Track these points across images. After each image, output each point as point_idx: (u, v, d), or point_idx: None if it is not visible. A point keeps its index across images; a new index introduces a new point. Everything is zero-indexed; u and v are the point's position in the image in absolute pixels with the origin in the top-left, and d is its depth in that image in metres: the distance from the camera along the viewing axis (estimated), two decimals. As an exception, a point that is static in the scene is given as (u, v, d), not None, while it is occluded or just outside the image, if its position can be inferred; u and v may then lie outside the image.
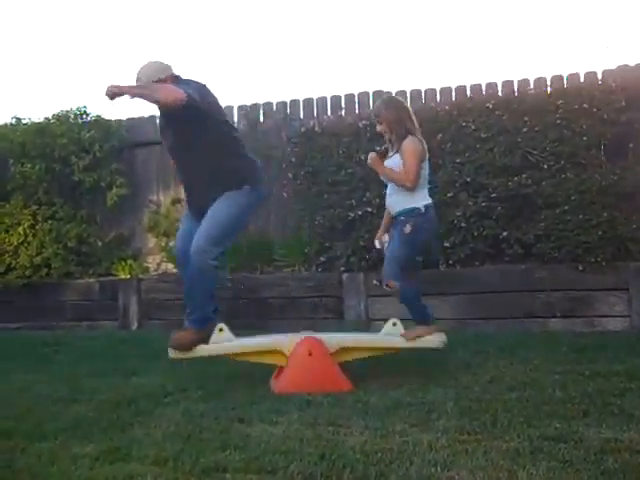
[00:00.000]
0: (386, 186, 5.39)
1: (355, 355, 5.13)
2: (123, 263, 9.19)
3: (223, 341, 5.07)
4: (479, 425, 3.72)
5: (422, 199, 5.25)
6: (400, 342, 5.16)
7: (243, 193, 5.06)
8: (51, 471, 3.20)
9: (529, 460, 3.10)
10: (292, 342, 4.98)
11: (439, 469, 3.02)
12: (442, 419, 3.89)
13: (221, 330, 5.07)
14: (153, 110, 9.98)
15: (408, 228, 5.15)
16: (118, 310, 8.87)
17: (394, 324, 5.22)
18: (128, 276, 9.04)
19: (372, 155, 5.31)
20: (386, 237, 5.43)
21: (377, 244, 5.54)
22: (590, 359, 5.45)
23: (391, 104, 5.36)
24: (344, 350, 5.08)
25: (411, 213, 5.17)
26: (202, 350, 5.04)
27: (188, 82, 5.05)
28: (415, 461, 3.14)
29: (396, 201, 5.26)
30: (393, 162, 5.24)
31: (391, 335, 5.19)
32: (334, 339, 5.13)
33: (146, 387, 5.01)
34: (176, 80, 5.07)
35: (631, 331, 6.86)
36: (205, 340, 5.00)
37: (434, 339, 5.16)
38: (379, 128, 5.32)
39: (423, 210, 5.19)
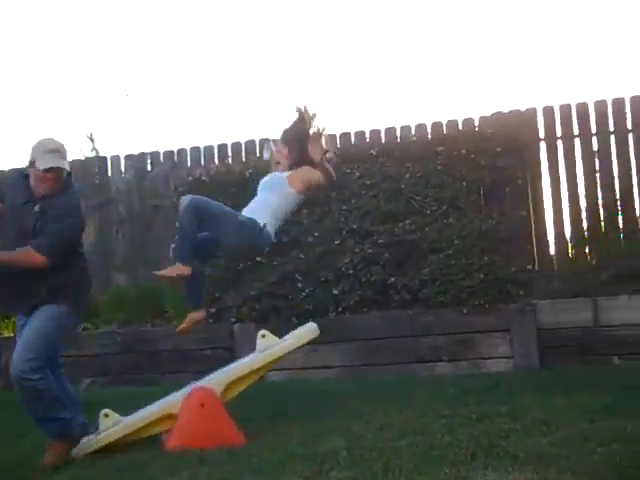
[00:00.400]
0: None
1: (246, 383, 5.08)
2: (7, 321, 8.88)
3: (111, 427, 4.91)
4: (371, 474, 3.76)
5: (270, 225, 5.13)
6: (277, 351, 5.10)
7: (61, 309, 4.81)
8: None
9: (420, 509, 3.16)
10: (180, 400, 4.92)
11: (331, 524, 3.04)
12: (334, 470, 3.91)
13: (107, 416, 4.93)
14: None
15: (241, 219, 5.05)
16: (1, 371, 8.52)
17: (263, 336, 5.15)
18: (12, 334, 8.72)
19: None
20: None
21: None
22: (476, 401, 5.58)
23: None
24: (234, 384, 5.05)
25: (249, 221, 5.05)
26: (93, 444, 4.83)
27: (73, 193, 4.93)
28: (309, 517, 3.15)
29: (250, 209, 5.19)
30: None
31: (267, 348, 5.11)
32: (218, 379, 5.09)
33: (32, 452, 4.84)
34: (67, 182, 4.89)
35: (514, 372, 7.08)
36: (77, 441, 4.81)
37: (305, 333, 5.14)
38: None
39: (261, 226, 5.04)
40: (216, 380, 5.09)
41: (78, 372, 7.49)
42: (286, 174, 5.27)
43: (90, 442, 4.83)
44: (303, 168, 5.25)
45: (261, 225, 5.02)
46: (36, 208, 4.76)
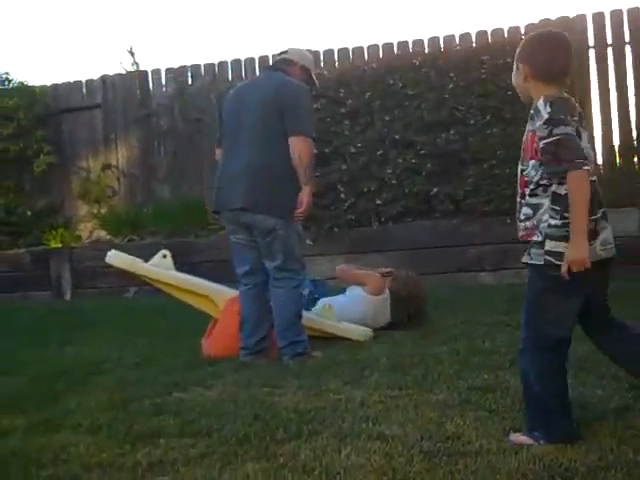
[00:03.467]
0: None
1: None
2: (54, 232, 9.05)
3: (158, 267, 5.05)
4: (411, 380, 3.81)
5: None
6: (328, 326, 5.14)
7: None
8: (-20, 445, 3.17)
9: (457, 411, 3.19)
10: (224, 294, 5.00)
11: (370, 424, 3.09)
12: (375, 375, 3.97)
13: (165, 256, 5.08)
14: (80, 75, 9.83)
15: None
16: (50, 280, 8.75)
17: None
18: (59, 245, 8.91)
19: None
20: None
21: None
22: (518, 310, 5.51)
23: None
24: None
25: None
26: (139, 268, 5.08)
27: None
28: (347, 418, 3.20)
29: None
30: None
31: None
32: None
33: (80, 357, 4.97)
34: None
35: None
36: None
37: (358, 332, 5.16)
38: None
39: None
40: None
41: (124, 282, 7.64)
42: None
43: (135, 263, 5.10)
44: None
45: None
46: None
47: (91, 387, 4.11)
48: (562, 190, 2.72)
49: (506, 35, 8.31)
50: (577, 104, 2.82)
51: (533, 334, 2.85)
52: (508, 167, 7.23)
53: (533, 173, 2.81)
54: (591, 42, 8.12)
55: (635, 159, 7.90)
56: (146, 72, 9.55)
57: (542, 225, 2.77)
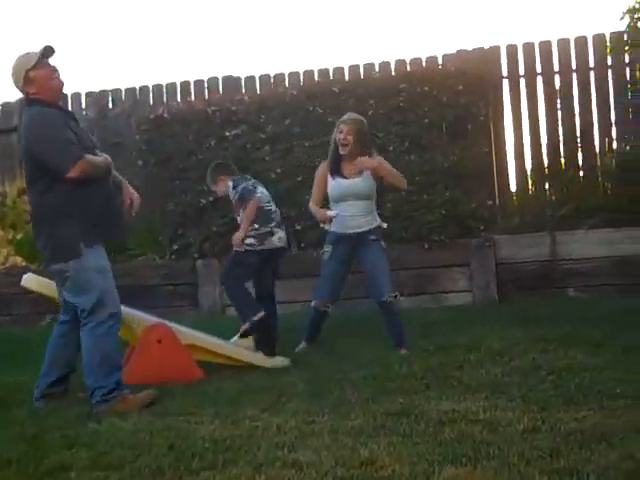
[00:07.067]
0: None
1: (203, 355, 5.09)
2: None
3: None
4: (327, 405, 3.85)
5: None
6: (245, 355, 5.17)
7: None
8: None
9: (372, 436, 3.24)
10: (143, 321, 4.97)
11: (286, 451, 3.12)
12: (292, 402, 4.00)
13: None
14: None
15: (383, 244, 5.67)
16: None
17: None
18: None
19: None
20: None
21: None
22: (435, 333, 5.69)
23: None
24: (194, 348, 5.06)
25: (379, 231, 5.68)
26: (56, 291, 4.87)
27: None
28: (263, 445, 3.22)
29: (368, 221, 5.66)
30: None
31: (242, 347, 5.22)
32: (185, 333, 5.13)
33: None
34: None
35: (473, 305, 7.20)
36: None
37: (276, 362, 5.18)
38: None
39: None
40: (183, 332, 5.12)
41: (40, 308, 7.50)
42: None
43: (51, 286, 4.91)
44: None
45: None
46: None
47: (2, 420, 4.01)
48: None
49: (424, 64, 8.46)
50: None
51: None
52: (426, 193, 7.37)
53: None
54: (504, 72, 8.34)
55: (547, 186, 8.13)
56: (66, 95, 9.41)
57: None
